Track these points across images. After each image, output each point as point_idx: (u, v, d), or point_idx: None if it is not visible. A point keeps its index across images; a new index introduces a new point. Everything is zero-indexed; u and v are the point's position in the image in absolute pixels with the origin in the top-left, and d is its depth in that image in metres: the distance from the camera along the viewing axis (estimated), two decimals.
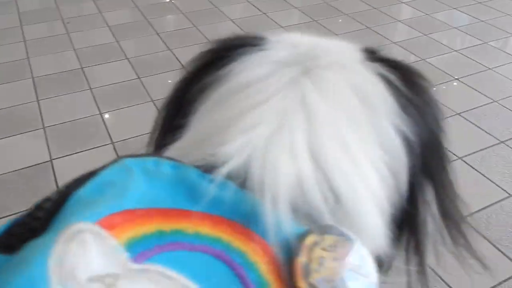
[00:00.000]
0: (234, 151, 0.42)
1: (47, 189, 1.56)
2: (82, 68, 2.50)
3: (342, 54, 0.51)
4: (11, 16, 3.10)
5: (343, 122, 0.45)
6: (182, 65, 2.44)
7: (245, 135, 0.43)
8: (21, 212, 0.42)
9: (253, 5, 3.16)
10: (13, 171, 1.83)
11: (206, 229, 0.36)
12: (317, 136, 0.43)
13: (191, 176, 0.39)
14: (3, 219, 1.59)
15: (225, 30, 2.83)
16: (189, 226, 0.36)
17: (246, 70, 0.50)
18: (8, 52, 2.69)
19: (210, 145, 0.44)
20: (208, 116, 0.50)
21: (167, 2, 3.23)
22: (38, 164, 1.85)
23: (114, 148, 1.92)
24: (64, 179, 1.66)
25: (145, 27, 2.92)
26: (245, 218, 0.37)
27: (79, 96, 2.28)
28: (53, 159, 1.87)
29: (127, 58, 2.57)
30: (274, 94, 0.46)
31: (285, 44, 0.53)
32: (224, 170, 0.39)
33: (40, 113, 2.15)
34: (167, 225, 0.36)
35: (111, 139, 1.97)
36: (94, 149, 1.92)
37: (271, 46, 0.52)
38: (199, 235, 0.36)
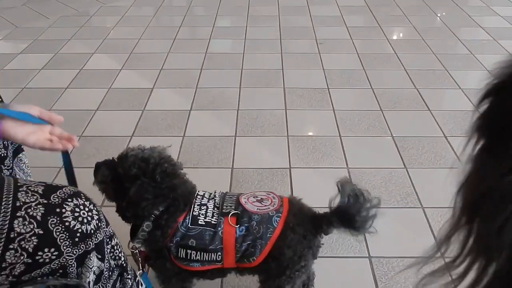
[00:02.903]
0: None
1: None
2: (328, 88, 2.60)
3: None
4: (273, 30, 3.41)
5: None
6: (427, 105, 2.42)
7: None
8: None
9: None
10: (254, 168, 1.94)
11: None
12: None
13: None
14: None
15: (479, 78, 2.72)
16: None
17: None
18: (267, 61, 2.94)
19: None
20: None
21: (417, 39, 3.26)
22: (278, 168, 1.95)
23: (349, 173, 1.91)
24: (299, 188, 1.79)
25: (393, 61, 2.94)
26: None
27: (322, 114, 2.36)
28: (292, 167, 1.95)
29: (371, 88, 2.61)
30: None
31: None
32: None
33: (286, 121, 2.28)
34: None
35: (346, 163, 1.98)
36: (328, 168, 1.95)
37: None
38: None
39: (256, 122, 2.28)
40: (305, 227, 1.11)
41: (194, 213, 1.10)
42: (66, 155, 1.04)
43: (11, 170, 1.26)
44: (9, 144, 1.22)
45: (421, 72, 2.79)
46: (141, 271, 1.11)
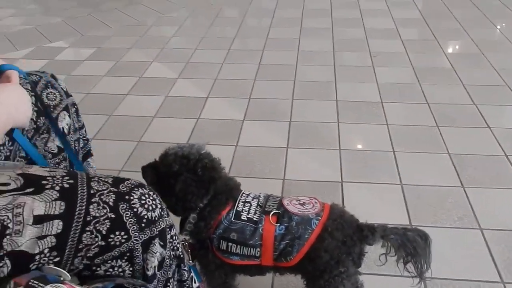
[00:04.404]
0: None
1: None
2: (381, 102, 2.60)
3: None
4: (326, 42, 3.47)
5: None
6: (486, 122, 2.34)
7: None
8: None
9: None
10: (306, 180, 1.97)
11: None
12: None
13: None
14: None
15: None
16: None
17: None
18: (320, 73, 2.98)
19: None
20: None
21: (476, 53, 3.23)
22: (329, 181, 1.96)
23: (403, 191, 1.88)
24: (351, 202, 1.79)
25: (450, 75, 2.90)
26: None
27: (375, 128, 2.35)
28: (344, 181, 1.96)
29: (427, 103, 2.58)
30: None
31: None
32: None
33: (339, 135, 2.30)
34: None
35: (400, 179, 1.95)
36: (382, 184, 1.93)
37: None
38: None
39: (308, 134, 2.30)
40: (344, 232, 1.13)
41: (238, 209, 1.17)
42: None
43: None
44: (80, 149, 1.31)
45: (480, 87, 2.70)
46: (191, 261, 1.17)
